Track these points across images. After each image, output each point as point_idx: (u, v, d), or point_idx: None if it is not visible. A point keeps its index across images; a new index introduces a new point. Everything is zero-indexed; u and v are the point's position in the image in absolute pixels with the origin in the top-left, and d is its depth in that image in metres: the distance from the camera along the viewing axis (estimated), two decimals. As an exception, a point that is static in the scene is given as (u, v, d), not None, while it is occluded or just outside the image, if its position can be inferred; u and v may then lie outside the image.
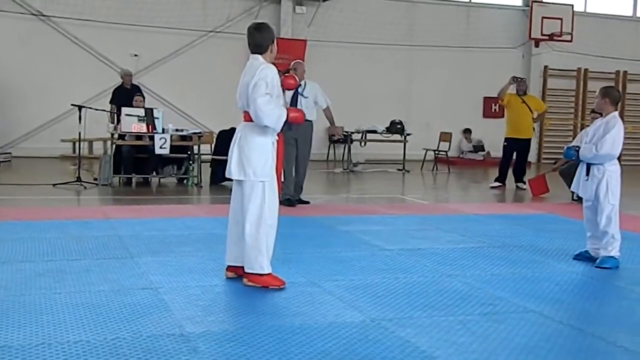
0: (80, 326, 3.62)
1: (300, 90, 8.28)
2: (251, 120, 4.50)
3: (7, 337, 3.42)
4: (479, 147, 17.53)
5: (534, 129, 11.93)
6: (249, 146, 4.49)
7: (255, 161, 4.47)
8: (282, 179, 4.80)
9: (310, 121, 8.31)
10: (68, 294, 4.22)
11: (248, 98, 4.46)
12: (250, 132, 4.52)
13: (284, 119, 4.46)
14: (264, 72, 4.45)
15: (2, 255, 5.25)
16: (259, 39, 4.61)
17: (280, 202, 7.51)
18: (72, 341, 3.39)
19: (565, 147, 5.90)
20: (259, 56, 4.59)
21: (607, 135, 5.45)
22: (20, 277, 4.60)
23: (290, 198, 8.32)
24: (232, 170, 4.56)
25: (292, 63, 8.58)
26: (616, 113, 5.63)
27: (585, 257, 5.73)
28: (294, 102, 8.14)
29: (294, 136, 8.01)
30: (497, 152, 15.15)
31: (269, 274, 4.54)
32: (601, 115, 5.71)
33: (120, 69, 13.36)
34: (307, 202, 8.66)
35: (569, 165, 8.43)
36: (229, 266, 4.77)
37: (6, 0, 14.07)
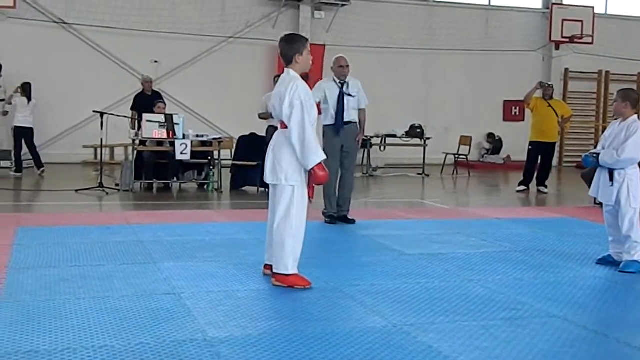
0: (105, 331, 3.65)
1: (345, 89, 7.45)
2: (286, 127, 4.65)
3: (34, 342, 3.46)
4: (497, 142, 17.48)
5: (559, 132, 11.86)
6: (282, 152, 4.66)
7: (286, 166, 4.64)
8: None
9: (355, 123, 7.57)
10: (92, 300, 4.27)
11: (283, 115, 4.63)
12: (284, 139, 4.67)
13: (315, 162, 4.55)
14: (295, 91, 4.60)
15: (27, 261, 5.31)
16: (284, 49, 4.78)
17: (325, 221, 7.46)
18: (97, 346, 3.42)
19: (583, 155, 5.84)
20: (291, 70, 4.76)
21: (630, 140, 5.39)
22: (44, 283, 4.65)
23: (332, 215, 7.53)
24: (267, 175, 4.77)
25: (334, 59, 7.62)
26: (636, 116, 5.56)
27: (608, 261, 5.68)
28: (340, 102, 7.39)
29: (340, 142, 7.42)
30: (518, 156, 15.11)
31: (295, 274, 4.66)
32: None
33: (140, 75, 13.47)
34: (353, 221, 7.57)
35: (591, 169, 8.36)
36: (266, 264, 4.97)
37: (28, 9, 14.25)
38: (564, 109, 11.91)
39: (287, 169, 4.63)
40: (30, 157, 12.58)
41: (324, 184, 4.75)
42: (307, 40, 4.87)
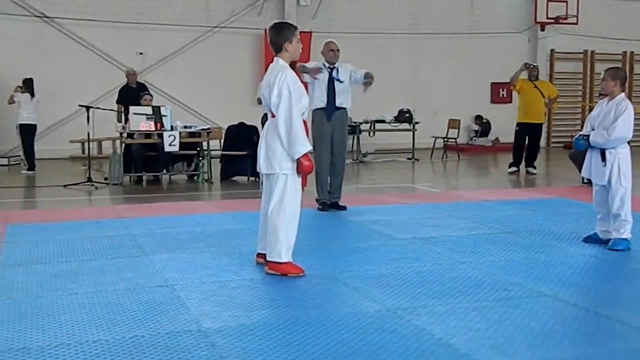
0: (99, 325, 3.65)
1: (335, 74, 7.43)
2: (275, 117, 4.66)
3: (27, 339, 3.46)
4: (485, 125, 17.52)
5: (546, 113, 11.92)
6: (274, 141, 4.66)
7: (280, 155, 4.64)
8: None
9: (345, 109, 7.55)
10: (85, 294, 4.26)
11: (272, 104, 4.64)
12: (275, 128, 4.65)
13: (301, 152, 4.57)
14: (284, 81, 4.59)
15: (17, 258, 5.29)
16: (273, 38, 4.78)
17: (318, 209, 7.47)
18: (91, 341, 3.42)
19: (574, 138, 5.85)
20: (279, 59, 4.75)
21: (620, 119, 5.39)
22: (36, 279, 4.64)
23: (325, 202, 7.53)
24: (261, 164, 4.77)
25: (324, 43, 7.62)
26: (624, 95, 5.59)
27: (594, 239, 5.73)
28: (330, 87, 7.36)
29: (329, 129, 7.40)
30: (506, 138, 15.14)
31: (288, 262, 4.68)
32: (606, 96, 5.67)
33: (125, 68, 13.39)
34: (344, 208, 7.60)
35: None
36: (258, 253, 4.98)
37: (8, 3, 14.09)
38: (550, 89, 11.97)
39: (280, 158, 4.64)
40: (15, 155, 12.48)
41: (309, 173, 4.77)
42: (296, 28, 4.85)
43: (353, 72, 7.58)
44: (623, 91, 5.60)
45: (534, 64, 11.95)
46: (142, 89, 11.91)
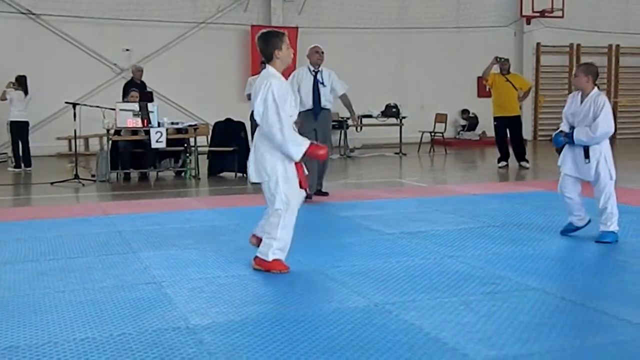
0: (86, 323, 3.63)
1: (319, 77, 7.93)
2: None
3: (14, 337, 3.44)
4: (472, 119, 17.58)
5: (520, 106, 12.01)
6: (261, 148, 4.63)
7: (267, 161, 4.61)
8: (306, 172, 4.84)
9: (328, 109, 8.07)
10: (72, 292, 4.24)
11: (256, 113, 4.61)
12: (261, 135, 4.65)
13: (301, 153, 4.55)
14: (268, 89, 4.54)
15: (4, 256, 5.25)
16: (262, 48, 4.72)
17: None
18: (78, 339, 3.40)
19: (553, 135, 5.86)
20: (270, 67, 4.71)
21: (600, 115, 5.38)
22: (23, 277, 4.61)
23: (309, 195, 7.52)
24: (251, 174, 4.73)
25: (310, 48, 8.09)
26: (597, 89, 5.57)
27: (570, 229, 5.75)
28: (315, 92, 7.83)
29: (313, 127, 7.78)
30: (493, 132, 15.20)
31: (275, 259, 4.65)
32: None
33: (113, 64, 13.34)
34: (326, 194, 8.10)
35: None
36: (254, 234, 4.92)
37: (-6, 0, 14.00)
38: (522, 81, 12.06)
39: (267, 164, 4.59)
40: (2, 152, 12.39)
41: (326, 158, 4.99)
42: (284, 34, 4.78)
43: (334, 81, 8.04)
44: (596, 86, 5.58)
45: (505, 58, 11.99)
46: (145, 86, 11.98)
